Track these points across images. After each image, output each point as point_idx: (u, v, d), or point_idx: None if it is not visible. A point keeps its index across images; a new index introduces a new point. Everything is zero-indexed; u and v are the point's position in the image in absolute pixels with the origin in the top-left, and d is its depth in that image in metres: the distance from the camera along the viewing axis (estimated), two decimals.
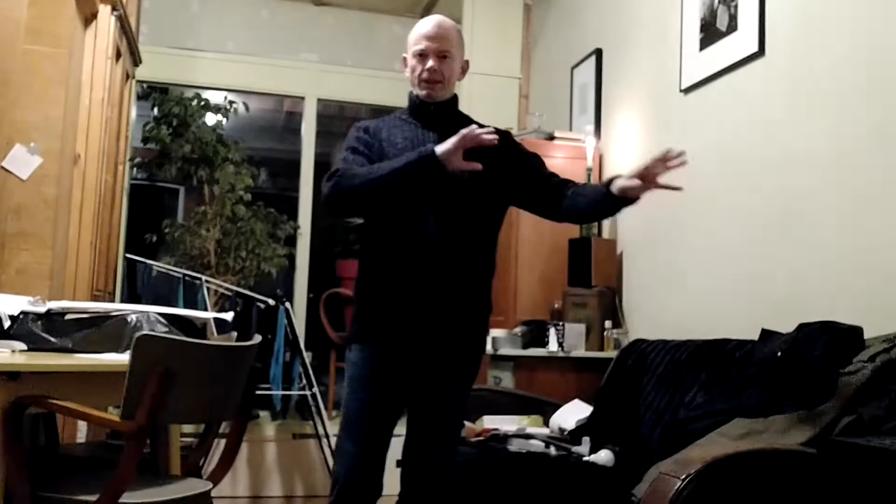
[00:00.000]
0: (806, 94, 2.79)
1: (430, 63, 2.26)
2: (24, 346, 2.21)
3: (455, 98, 2.38)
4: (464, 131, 2.10)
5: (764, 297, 2.92)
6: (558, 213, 2.32)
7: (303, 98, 5.66)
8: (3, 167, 3.07)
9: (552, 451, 2.99)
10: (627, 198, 2.16)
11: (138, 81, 5.00)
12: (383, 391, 2.22)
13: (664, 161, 2.10)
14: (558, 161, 4.09)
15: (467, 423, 3.12)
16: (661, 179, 2.12)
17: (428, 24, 2.31)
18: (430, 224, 2.21)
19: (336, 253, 7.07)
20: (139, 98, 5.26)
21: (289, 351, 4.61)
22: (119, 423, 1.93)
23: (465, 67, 2.37)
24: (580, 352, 3.72)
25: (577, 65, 4.56)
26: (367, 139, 2.29)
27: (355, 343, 2.27)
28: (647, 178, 2.12)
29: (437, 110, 2.32)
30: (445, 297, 2.22)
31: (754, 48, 3.02)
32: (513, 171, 2.29)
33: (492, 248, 2.33)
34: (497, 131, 2.30)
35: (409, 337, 2.22)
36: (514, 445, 3.01)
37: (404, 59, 2.34)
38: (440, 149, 2.11)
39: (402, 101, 2.43)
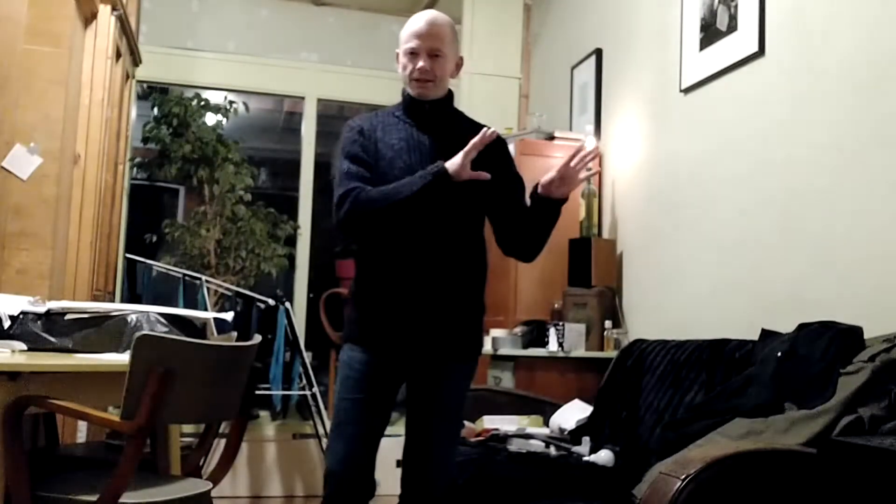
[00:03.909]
0: (806, 94, 2.79)
1: (420, 63, 2.23)
2: (24, 346, 2.21)
3: (450, 95, 2.35)
4: (469, 145, 2.10)
5: (764, 297, 2.92)
6: (507, 247, 2.36)
7: (303, 98, 5.67)
8: (3, 167, 3.07)
9: (552, 451, 2.99)
10: (552, 197, 2.24)
11: (138, 81, 5.00)
12: (374, 392, 2.22)
13: (578, 156, 2.24)
14: (558, 161, 4.06)
15: (467, 423, 3.12)
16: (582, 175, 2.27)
17: (420, 21, 2.26)
18: (424, 226, 2.20)
19: (336, 253, 7.06)
20: (139, 98, 5.26)
21: (289, 351, 4.61)
22: (119, 423, 1.93)
23: (459, 64, 2.33)
24: (580, 352, 3.72)
25: (577, 65, 4.56)
26: (364, 142, 2.25)
27: (349, 344, 2.26)
28: (568, 175, 2.24)
29: (431, 109, 2.30)
30: (440, 298, 2.22)
31: (754, 48, 3.03)
32: (496, 181, 2.23)
33: (482, 248, 2.32)
34: (497, 137, 2.29)
35: (404, 339, 2.22)
36: (514, 445, 3.01)
37: (397, 55, 2.31)
38: (451, 166, 2.11)
39: None
